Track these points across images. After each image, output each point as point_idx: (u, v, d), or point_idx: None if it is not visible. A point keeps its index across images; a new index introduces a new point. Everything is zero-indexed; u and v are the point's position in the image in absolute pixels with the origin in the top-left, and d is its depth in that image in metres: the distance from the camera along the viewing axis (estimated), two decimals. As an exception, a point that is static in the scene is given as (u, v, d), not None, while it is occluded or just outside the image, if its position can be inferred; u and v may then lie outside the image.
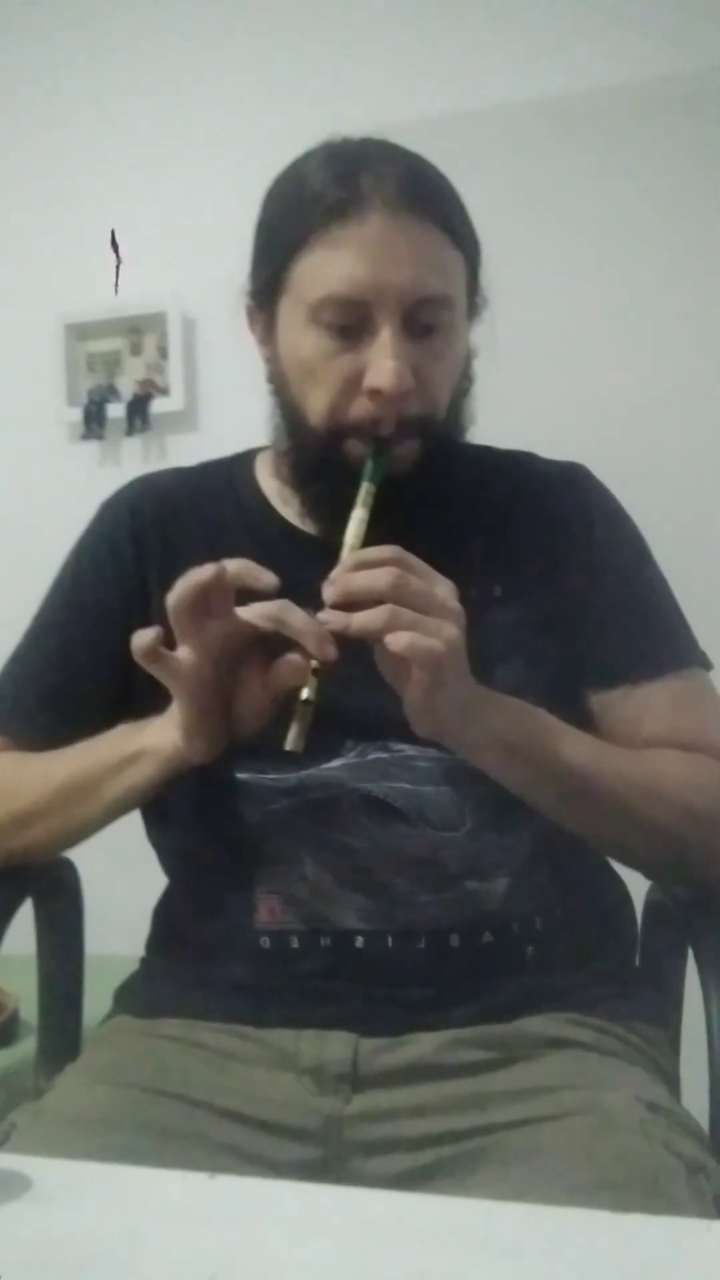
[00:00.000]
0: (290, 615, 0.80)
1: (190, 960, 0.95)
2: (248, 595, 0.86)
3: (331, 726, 0.85)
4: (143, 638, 0.80)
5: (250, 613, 0.81)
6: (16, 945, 1.00)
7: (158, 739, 0.89)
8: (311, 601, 0.81)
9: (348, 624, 0.78)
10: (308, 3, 2.13)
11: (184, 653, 0.82)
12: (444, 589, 0.80)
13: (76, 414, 2.23)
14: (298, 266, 0.90)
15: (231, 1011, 0.90)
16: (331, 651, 0.78)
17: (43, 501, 2.15)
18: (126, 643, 0.96)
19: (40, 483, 2.25)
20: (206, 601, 0.81)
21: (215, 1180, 0.62)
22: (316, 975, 0.89)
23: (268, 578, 0.81)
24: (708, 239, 1.94)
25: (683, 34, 1.94)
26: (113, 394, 2.23)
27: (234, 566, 0.81)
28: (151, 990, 0.97)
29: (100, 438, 2.23)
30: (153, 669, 0.82)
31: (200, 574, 0.80)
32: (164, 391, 2.21)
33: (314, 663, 0.80)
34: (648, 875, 1.00)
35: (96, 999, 1.04)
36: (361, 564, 0.80)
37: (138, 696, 0.94)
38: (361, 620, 0.78)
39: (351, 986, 0.88)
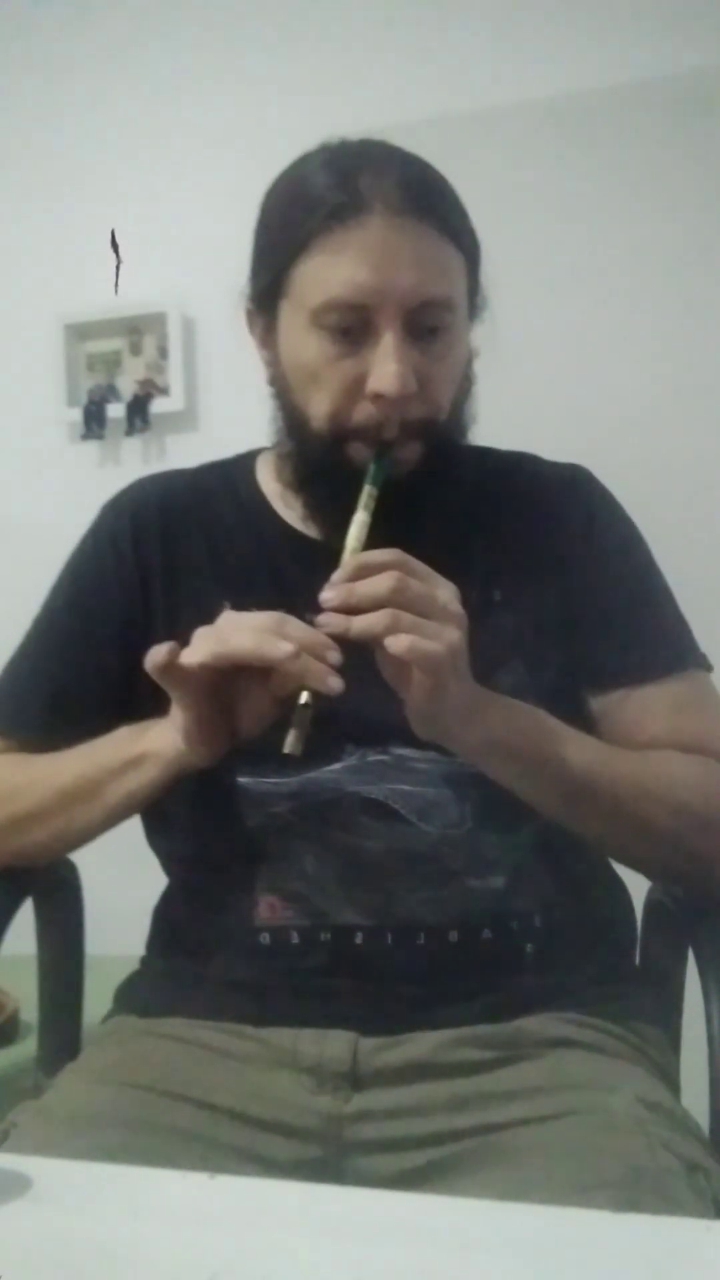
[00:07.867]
0: (286, 632, 0.78)
1: (190, 958, 0.96)
2: (248, 594, 0.85)
3: (332, 730, 0.85)
4: (159, 654, 0.80)
5: (248, 649, 0.79)
6: (16, 945, 1.00)
7: (160, 742, 0.89)
8: (312, 604, 0.81)
9: (347, 628, 0.78)
10: (308, 3, 2.13)
11: (190, 664, 0.82)
12: (445, 592, 0.80)
13: (76, 414, 2.23)
14: (298, 271, 0.89)
15: (231, 1010, 0.90)
16: (336, 684, 0.77)
17: (43, 501, 2.16)
18: (127, 644, 0.96)
19: (40, 483, 2.25)
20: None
21: (215, 1180, 0.62)
22: (316, 972, 0.89)
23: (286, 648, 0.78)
24: (708, 239, 1.94)
25: (682, 34, 1.94)
26: (113, 394, 2.24)
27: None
28: (152, 989, 0.97)
29: (100, 438, 2.23)
30: (160, 679, 0.82)
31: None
32: (164, 391, 2.21)
33: None
34: (648, 876, 1.00)
35: (96, 999, 1.04)
36: (363, 567, 0.80)
37: (140, 697, 0.93)
38: (362, 625, 0.78)
39: (351, 983, 0.88)
